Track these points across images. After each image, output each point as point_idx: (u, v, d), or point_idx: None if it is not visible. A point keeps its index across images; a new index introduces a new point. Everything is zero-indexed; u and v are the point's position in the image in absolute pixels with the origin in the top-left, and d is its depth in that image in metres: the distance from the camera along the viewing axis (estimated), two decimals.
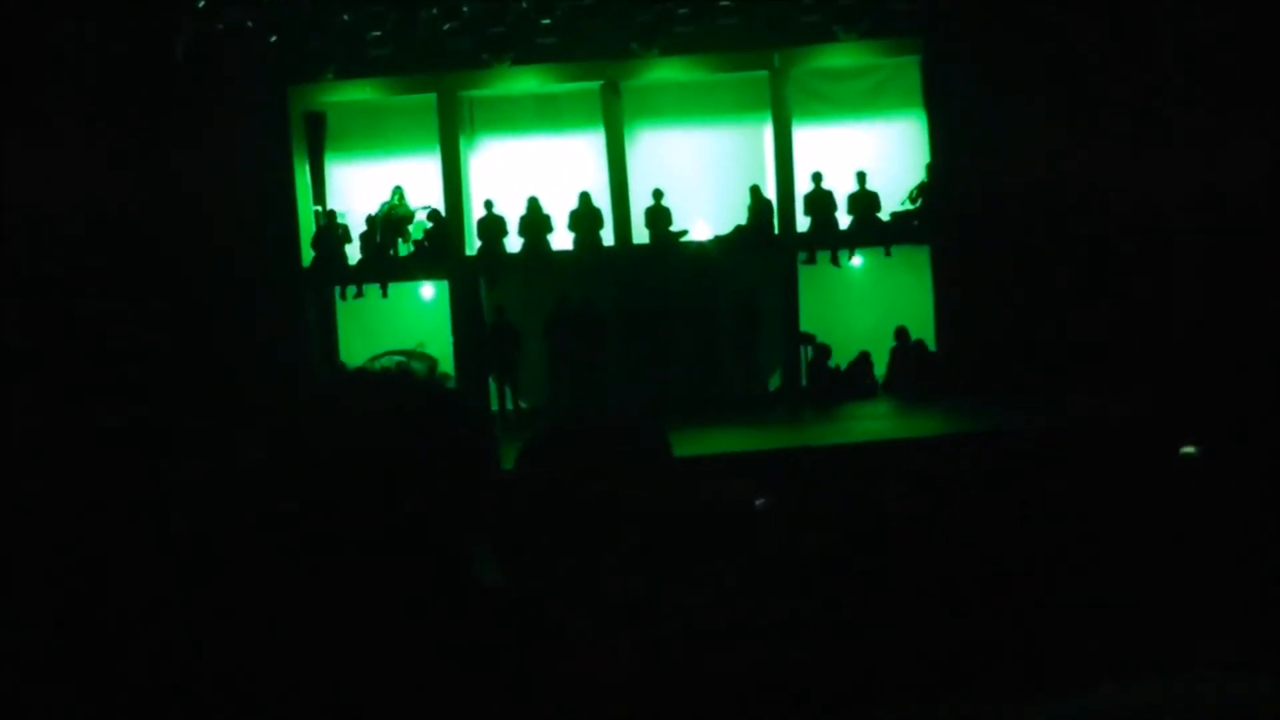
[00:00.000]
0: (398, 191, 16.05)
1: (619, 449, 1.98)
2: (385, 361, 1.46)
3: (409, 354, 1.49)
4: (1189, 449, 8.88)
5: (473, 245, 15.93)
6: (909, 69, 15.85)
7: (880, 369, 15.56)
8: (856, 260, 16.14)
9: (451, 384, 1.49)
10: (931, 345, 15.47)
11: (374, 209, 16.07)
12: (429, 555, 1.24)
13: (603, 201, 15.81)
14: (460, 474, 1.33)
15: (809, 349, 15.47)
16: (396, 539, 1.22)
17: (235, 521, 1.20)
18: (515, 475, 1.92)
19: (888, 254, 15.70)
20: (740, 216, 15.71)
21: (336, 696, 1.17)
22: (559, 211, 15.77)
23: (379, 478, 1.25)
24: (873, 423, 13.64)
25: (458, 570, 1.26)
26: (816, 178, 15.56)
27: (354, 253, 16.08)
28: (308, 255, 15.89)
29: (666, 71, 15.86)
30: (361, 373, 1.43)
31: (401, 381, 1.42)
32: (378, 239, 15.88)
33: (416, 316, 16.40)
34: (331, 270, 15.81)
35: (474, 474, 1.34)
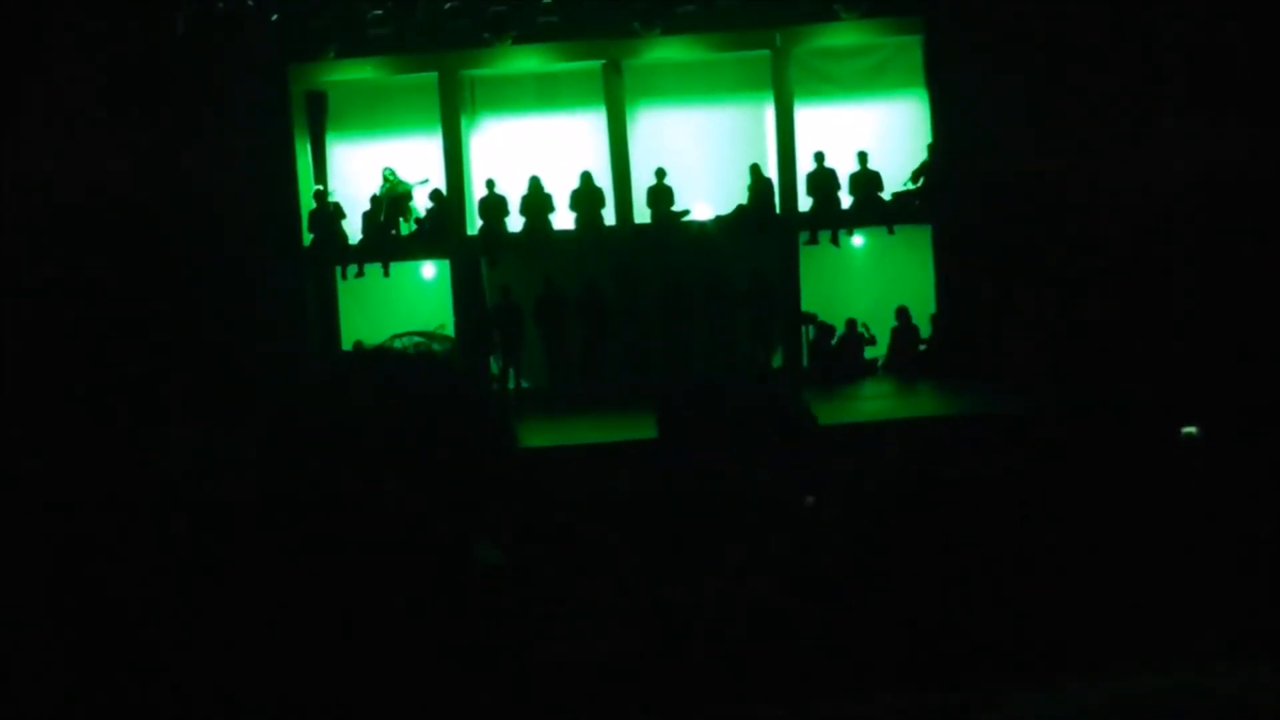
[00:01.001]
0: (389, 173, 16.00)
1: (764, 416, 1.95)
2: (405, 342, 1.40)
3: (429, 335, 1.43)
4: (1190, 429, 8.89)
5: (474, 225, 15.91)
6: (911, 48, 15.80)
7: (881, 349, 15.54)
8: (858, 240, 16.12)
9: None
10: (930, 326, 15.45)
11: (375, 188, 16.05)
12: (431, 555, 1.24)
13: (604, 181, 15.79)
14: (477, 469, 1.31)
15: (810, 329, 15.46)
16: (401, 539, 1.22)
17: (234, 517, 1.20)
18: (661, 428, 1.88)
19: (890, 233, 15.67)
20: (741, 196, 15.69)
21: (335, 696, 1.18)
22: (560, 191, 15.75)
23: (390, 473, 1.24)
24: (872, 403, 13.65)
25: (459, 569, 1.26)
26: (819, 157, 15.53)
27: (355, 232, 16.07)
28: (309, 235, 15.89)
29: (668, 51, 15.82)
30: (380, 353, 1.38)
31: (423, 366, 1.37)
32: (382, 217, 15.85)
33: (418, 296, 16.39)
34: (331, 250, 15.80)
35: (491, 469, 1.32)
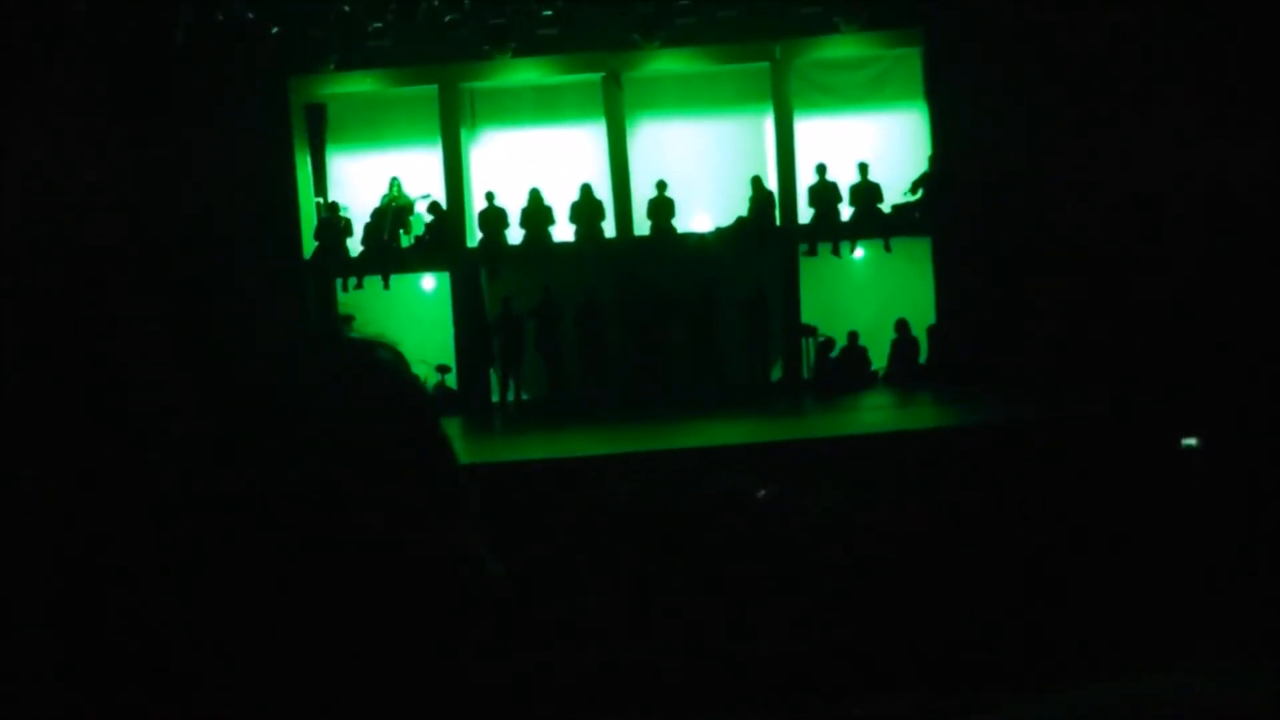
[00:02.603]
0: (395, 183, 16.03)
1: None
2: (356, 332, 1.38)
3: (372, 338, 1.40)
4: (1190, 441, 8.89)
5: (474, 237, 15.93)
6: (910, 60, 15.85)
7: (881, 360, 15.56)
8: (858, 252, 16.12)
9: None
10: (929, 338, 15.46)
11: (376, 201, 16.06)
12: (430, 553, 1.23)
13: (604, 193, 15.81)
14: (451, 465, 1.31)
15: (810, 340, 15.47)
16: (400, 538, 1.21)
17: (233, 519, 1.20)
18: None
19: (888, 250, 15.67)
20: (741, 208, 15.71)
21: (332, 702, 1.17)
22: (560, 203, 15.76)
23: (380, 471, 1.23)
24: (873, 414, 13.65)
25: (458, 568, 1.26)
26: (821, 169, 15.54)
27: (355, 245, 16.08)
28: (309, 247, 15.90)
29: (668, 63, 15.85)
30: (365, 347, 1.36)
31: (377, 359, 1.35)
32: (385, 235, 15.86)
33: (418, 308, 16.41)
34: (332, 262, 15.81)
35: (455, 465, 1.31)
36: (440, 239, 15.84)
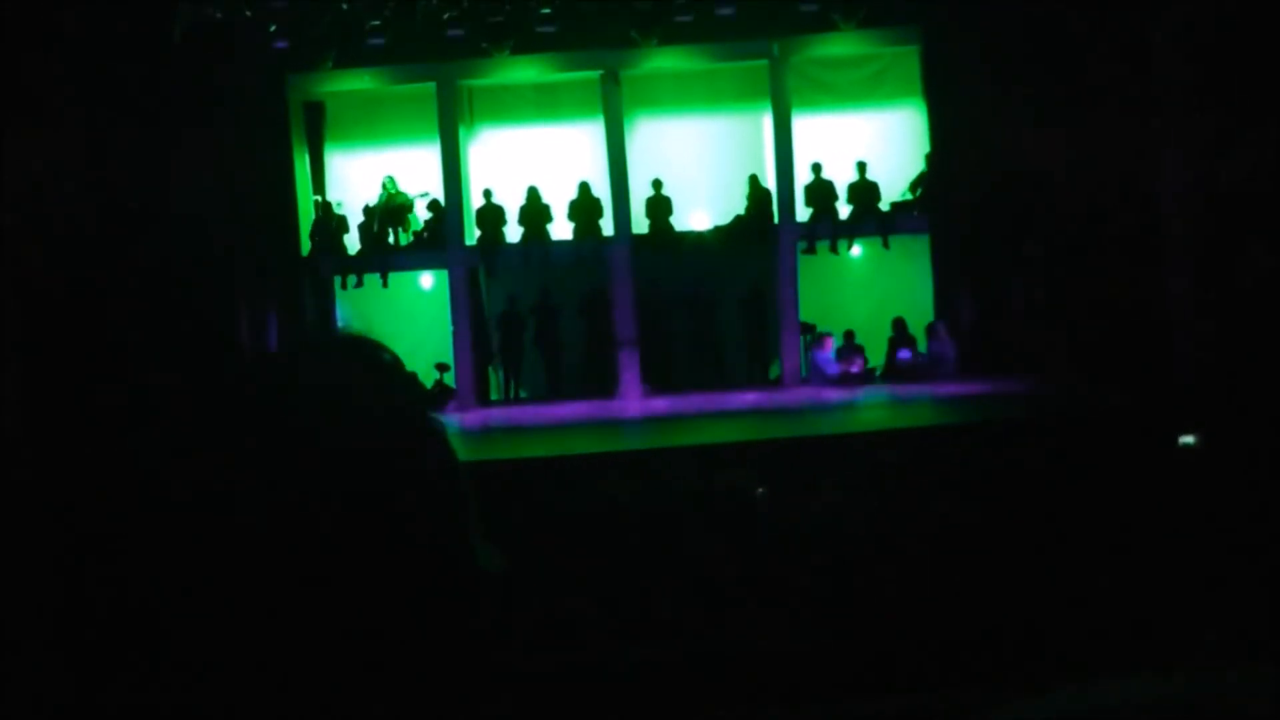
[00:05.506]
0: (390, 182, 15.99)
1: None
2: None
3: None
4: (1188, 439, 8.90)
5: (472, 235, 15.93)
6: (908, 58, 15.85)
7: (878, 358, 15.57)
8: (856, 250, 16.13)
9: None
10: (926, 335, 15.47)
11: (372, 199, 16.05)
12: (430, 552, 1.24)
13: (602, 191, 15.81)
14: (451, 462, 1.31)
15: (808, 338, 15.49)
16: (399, 536, 1.22)
17: (232, 518, 1.20)
18: None
19: (886, 248, 15.68)
20: (739, 206, 15.72)
21: (330, 699, 1.18)
22: (558, 201, 15.76)
23: (386, 468, 1.24)
24: (870, 412, 13.66)
25: (459, 565, 1.26)
26: (816, 168, 15.53)
27: (354, 243, 16.08)
28: (307, 245, 15.90)
29: (666, 61, 15.85)
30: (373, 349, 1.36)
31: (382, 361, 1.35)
32: (375, 229, 15.85)
33: (416, 306, 16.41)
34: (331, 260, 15.80)
35: (454, 461, 1.32)
36: (439, 237, 15.84)
